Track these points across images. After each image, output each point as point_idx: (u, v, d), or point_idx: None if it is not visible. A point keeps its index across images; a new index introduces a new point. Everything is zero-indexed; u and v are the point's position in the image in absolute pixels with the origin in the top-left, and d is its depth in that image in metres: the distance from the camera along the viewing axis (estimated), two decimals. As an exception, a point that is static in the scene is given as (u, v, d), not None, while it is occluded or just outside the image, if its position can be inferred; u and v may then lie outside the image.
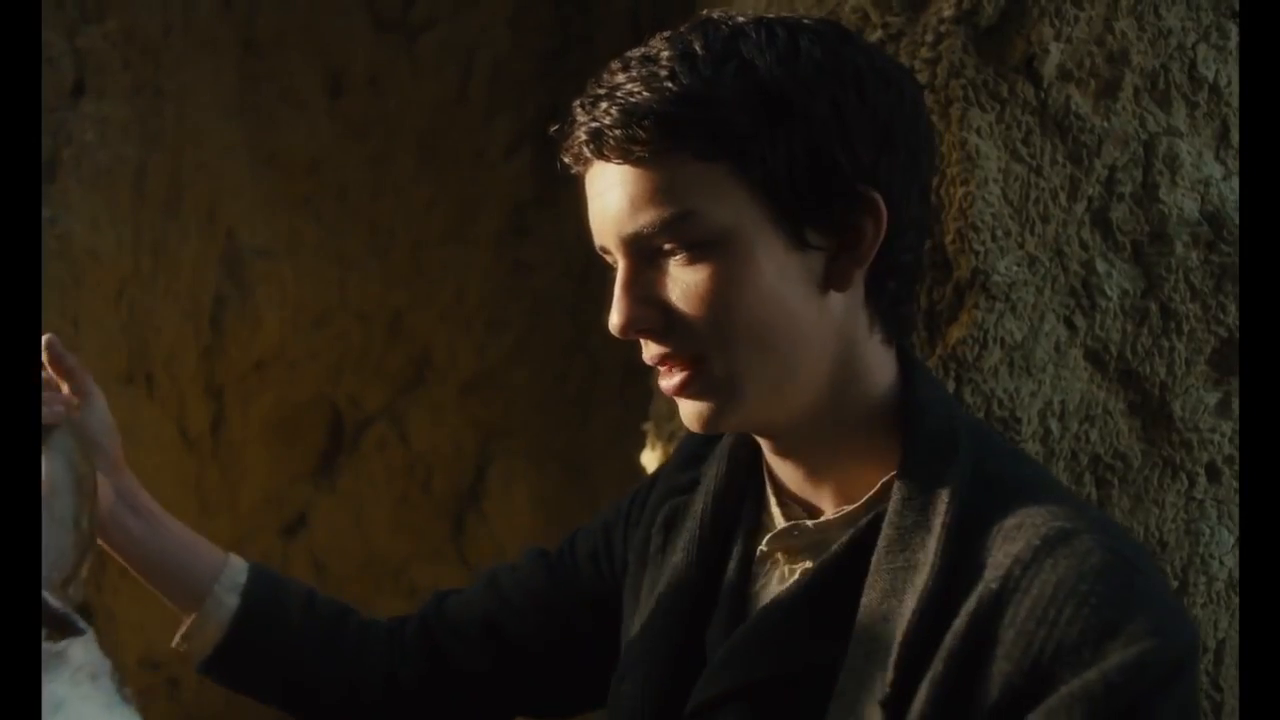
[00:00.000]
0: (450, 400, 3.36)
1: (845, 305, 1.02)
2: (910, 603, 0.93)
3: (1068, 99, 1.40)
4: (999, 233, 1.39)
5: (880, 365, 1.05)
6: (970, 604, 0.91)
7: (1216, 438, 1.43)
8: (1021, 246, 1.39)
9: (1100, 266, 1.40)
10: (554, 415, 3.49)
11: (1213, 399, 1.43)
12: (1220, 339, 1.43)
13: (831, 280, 1.00)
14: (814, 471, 1.07)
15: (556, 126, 1.05)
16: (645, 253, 1.01)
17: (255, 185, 2.99)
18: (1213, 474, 1.43)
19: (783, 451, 1.08)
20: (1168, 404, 1.42)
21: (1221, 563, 1.43)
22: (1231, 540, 1.43)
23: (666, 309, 1.00)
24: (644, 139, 0.96)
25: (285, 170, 3.04)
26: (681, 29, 1.02)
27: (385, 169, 3.18)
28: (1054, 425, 1.40)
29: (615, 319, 1.02)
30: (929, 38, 1.42)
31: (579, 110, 1.01)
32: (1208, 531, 1.42)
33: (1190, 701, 0.89)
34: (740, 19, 1.01)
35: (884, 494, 1.02)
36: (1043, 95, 1.40)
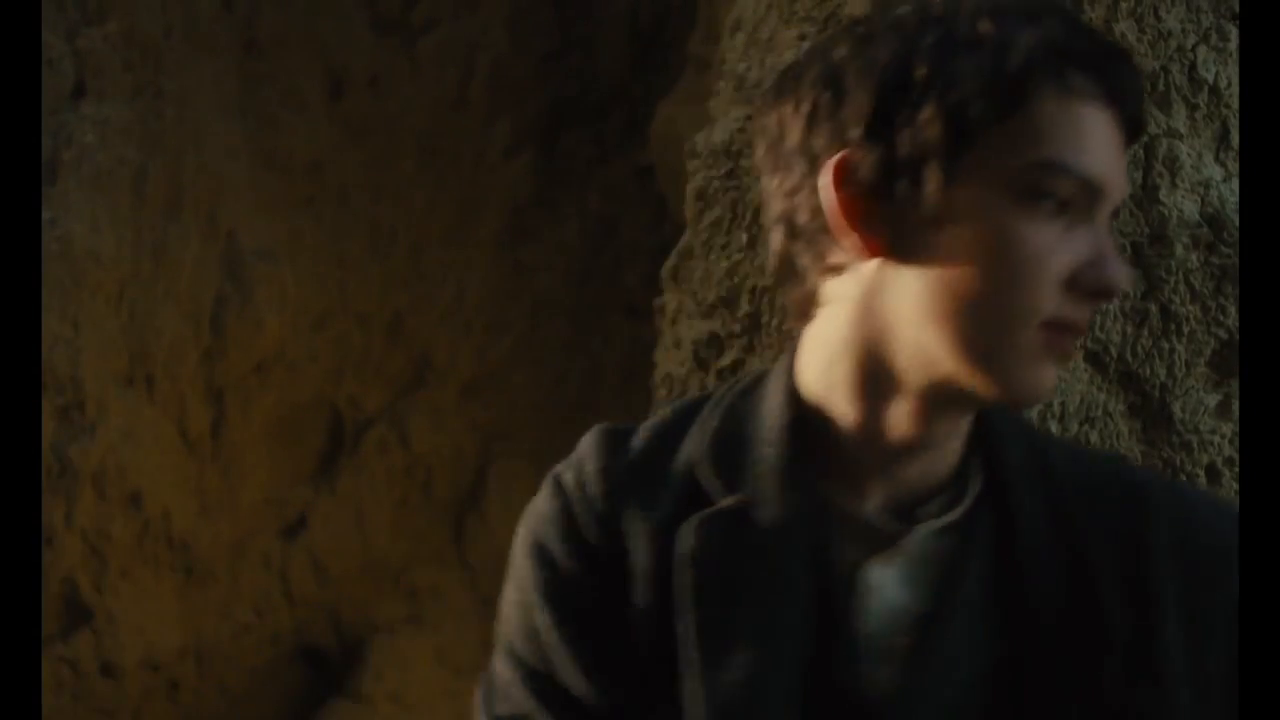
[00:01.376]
0: (450, 402, 3.36)
1: None
2: (1096, 567, 0.97)
3: (1068, 101, 1.40)
4: (999, 234, 1.39)
5: None
6: (1118, 561, 0.97)
7: (1216, 439, 1.43)
8: (1021, 248, 1.39)
9: (1100, 268, 1.41)
10: (554, 417, 3.49)
11: (1213, 401, 1.43)
12: (1220, 341, 1.43)
13: None
14: (919, 458, 1.01)
15: (1097, 52, 0.95)
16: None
17: (255, 187, 2.99)
18: (1213, 475, 1.43)
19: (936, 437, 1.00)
20: (1168, 405, 1.42)
21: (1222, 564, 1.43)
22: (1232, 542, 1.43)
23: None
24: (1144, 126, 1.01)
25: (285, 172, 3.05)
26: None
27: (385, 171, 3.18)
28: (1054, 426, 1.40)
29: (1123, 281, 0.95)
30: (929, 39, 1.42)
31: (1115, 55, 0.95)
32: (1208, 533, 1.43)
33: None
34: None
35: (965, 474, 1.01)
36: (1043, 97, 1.40)
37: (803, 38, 1.55)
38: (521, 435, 3.46)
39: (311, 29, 3.05)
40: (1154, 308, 1.42)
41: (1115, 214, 0.97)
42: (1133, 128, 0.96)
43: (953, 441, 1.00)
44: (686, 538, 1.01)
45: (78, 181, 2.68)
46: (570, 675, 1.02)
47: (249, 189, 2.98)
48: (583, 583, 1.03)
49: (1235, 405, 1.43)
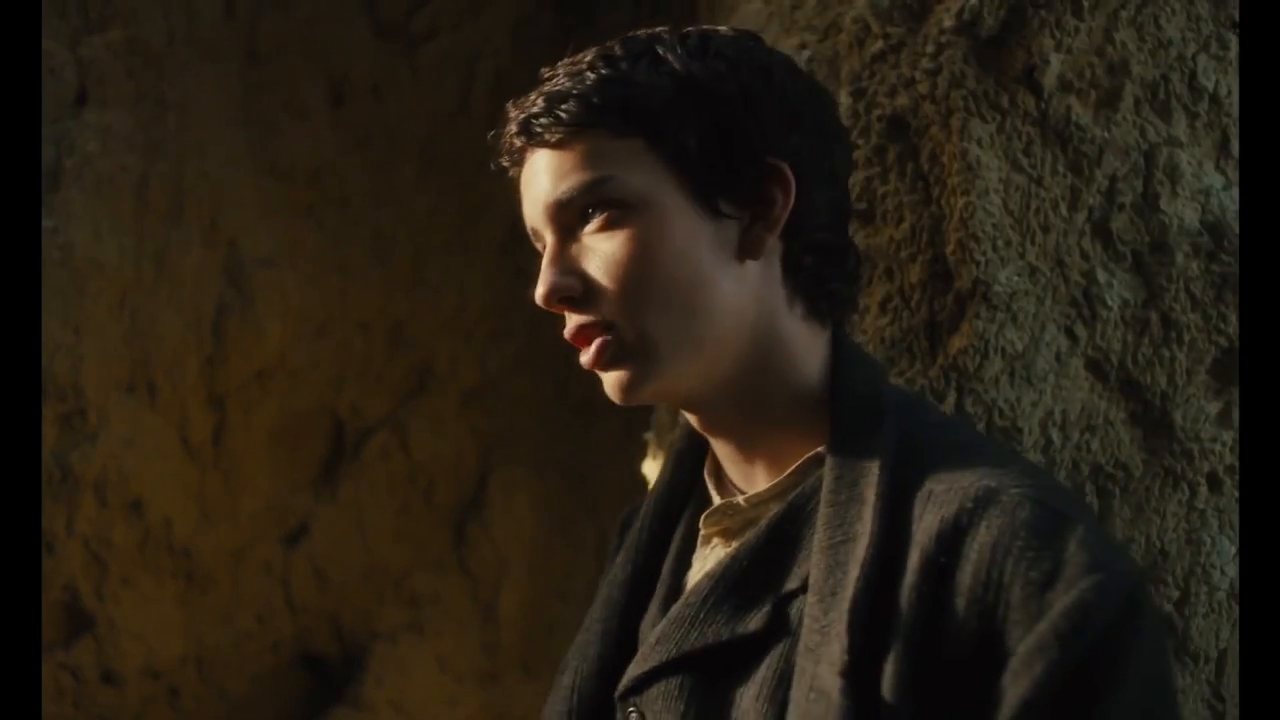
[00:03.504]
0: (452, 409, 3.36)
1: (761, 276, 1.08)
2: (854, 574, 0.95)
3: (1068, 109, 1.40)
4: (1000, 243, 1.39)
5: (805, 342, 1.10)
6: (914, 575, 0.93)
7: (1217, 447, 1.43)
8: (1022, 256, 1.40)
9: (1101, 276, 1.41)
10: (556, 424, 3.49)
11: (1214, 409, 1.43)
12: (1221, 349, 1.43)
13: (745, 248, 1.07)
14: (745, 449, 1.12)
15: (493, 132, 1.17)
16: (569, 226, 1.08)
17: (257, 194, 2.99)
18: (1214, 484, 1.43)
19: (712, 427, 1.13)
20: (1169, 414, 1.42)
21: (1223, 572, 1.43)
22: (1233, 550, 1.43)
23: (585, 278, 1.07)
24: (565, 120, 1.06)
25: (287, 179, 3.05)
26: (607, 43, 1.12)
27: (387, 178, 3.18)
28: (1055, 435, 1.40)
29: (539, 290, 1.08)
30: (930, 48, 1.43)
31: (510, 108, 1.13)
32: (1209, 541, 1.42)
33: (1153, 630, 0.89)
34: (662, 30, 1.11)
35: (809, 467, 1.07)
36: (1043, 106, 1.40)
37: (803, 46, 1.55)
38: (523, 442, 3.46)
39: (313, 37, 3.05)
40: (1155, 316, 1.42)
41: (583, 190, 1.07)
42: (549, 131, 1.10)
43: (768, 427, 1.10)
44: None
45: (80, 189, 2.68)
46: None
47: (251, 196, 2.98)
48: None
49: (1236, 413, 1.43)
